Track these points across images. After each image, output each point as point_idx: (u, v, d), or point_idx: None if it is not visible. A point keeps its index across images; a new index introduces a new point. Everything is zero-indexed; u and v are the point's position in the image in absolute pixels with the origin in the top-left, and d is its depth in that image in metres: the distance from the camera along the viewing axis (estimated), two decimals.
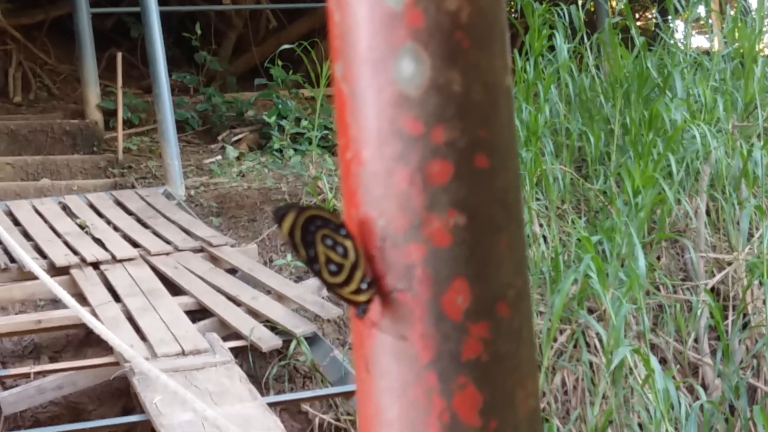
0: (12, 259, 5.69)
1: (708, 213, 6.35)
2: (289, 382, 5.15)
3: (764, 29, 7.58)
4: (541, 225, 5.96)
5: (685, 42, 7.88)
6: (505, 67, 0.89)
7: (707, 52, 7.88)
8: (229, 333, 5.15)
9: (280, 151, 7.74)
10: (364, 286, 0.91)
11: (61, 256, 5.79)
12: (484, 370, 0.88)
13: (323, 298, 5.52)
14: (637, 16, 11.86)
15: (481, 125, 0.87)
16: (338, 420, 5.07)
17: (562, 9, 7.10)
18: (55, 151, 8.06)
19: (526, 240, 5.65)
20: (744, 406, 5.01)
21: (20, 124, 8.27)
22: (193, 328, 5.01)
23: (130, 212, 6.71)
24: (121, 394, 5.05)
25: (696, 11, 7.86)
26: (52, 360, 5.21)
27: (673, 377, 4.87)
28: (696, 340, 5.68)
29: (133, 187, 7.37)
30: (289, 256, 5.98)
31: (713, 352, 5.52)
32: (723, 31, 7.90)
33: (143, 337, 4.89)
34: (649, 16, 12.41)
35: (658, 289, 5.80)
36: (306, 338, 5.12)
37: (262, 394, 4.66)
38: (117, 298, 5.34)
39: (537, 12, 6.78)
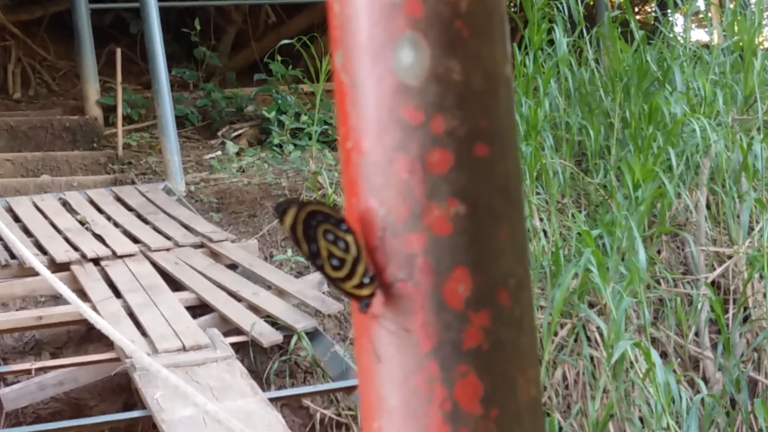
0: (12, 256, 5.69)
1: (708, 206, 6.35)
2: (290, 378, 5.15)
3: (763, 22, 7.57)
4: (541, 219, 5.96)
5: (684, 35, 7.87)
6: (505, 56, 0.89)
7: (707, 46, 7.88)
8: (229, 328, 5.15)
9: (280, 146, 7.74)
10: (366, 280, 0.91)
11: (61, 252, 5.79)
12: (485, 359, 0.88)
13: (324, 293, 5.52)
14: (636, 9, 11.86)
15: (480, 114, 0.87)
16: (339, 415, 5.07)
17: (561, 3, 7.10)
18: (54, 147, 8.06)
19: (527, 233, 5.65)
20: (745, 399, 5.01)
21: (20, 120, 8.27)
22: (193, 324, 5.01)
23: (130, 208, 6.71)
24: (122, 390, 5.05)
25: (695, 4, 7.85)
26: (53, 356, 5.21)
27: (674, 371, 4.87)
28: (697, 334, 5.68)
29: (133, 183, 7.37)
30: (289, 252, 5.98)
31: (714, 346, 5.52)
32: (722, 25, 7.90)
33: (144, 333, 4.89)
34: (649, 10, 12.40)
35: (659, 283, 5.79)
36: (307, 333, 5.12)
37: (263, 390, 4.66)
38: (117, 293, 5.34)
39: (536, 6, 6.77)
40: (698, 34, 9.92)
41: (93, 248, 5.85)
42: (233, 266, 5.82)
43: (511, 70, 0.91)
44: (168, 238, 6.10)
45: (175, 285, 5.52)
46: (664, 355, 5.42)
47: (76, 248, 5.86)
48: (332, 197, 6.37)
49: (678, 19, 8.50)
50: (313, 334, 5.17)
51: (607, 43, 7.08)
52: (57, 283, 3.41)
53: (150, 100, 8.26)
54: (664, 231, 6.04)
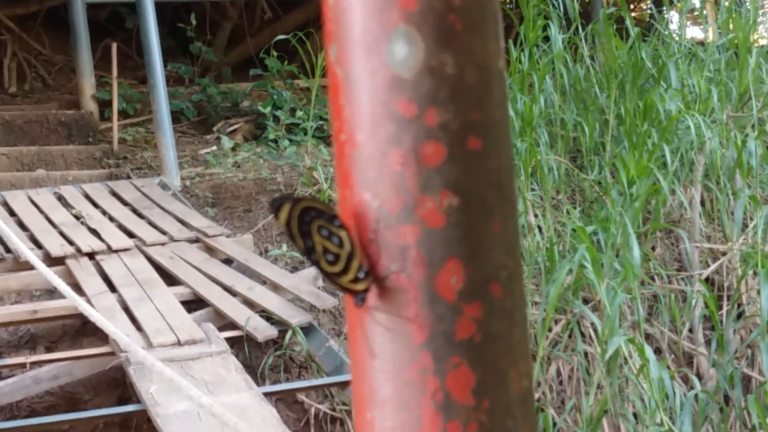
0: (8, 250, 5.69)
1: (702, 203, 6.36)
2: (285, 372, 5.16)
3: (758, 20, 7.58)
4: (536, 215, 5.97)
5: (679, 33, 7.88)
6: (498, 50, 0.90)
7: (702, 43, 7.88)
8: (224, 323, 5.15)
9: (276, 141, 7.74)
10: (361, 275, 0.92)
11: (56, 246, 5.79)
12: (477, 350, 0.89)
13: (319, 288, 5.53)
14: (631, 6, 11.86)
15: (474, 107, 0.88)
16: (334, 410, 5.08)
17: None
18: (50, 141, 8.06)
19: (521, 230, 5.66)
20: (738, 395, 5.02)
21: (15, 114, 8.27)
22: (188, 318, 5.02)
23: (125, 203, 6.71)
24: (117, 384, 5.05)
25: (690, 2, 7.86)
26: (48, 350, 5.21)
27: (668, 367, 4.88)
28: (690, 330, 5.69)
29: (128, 177, 7.37)
30: (284, 247, 5.98)
31: (708, 342, 5.53)
32: (717, 22, 7.90)
33: (139, 327, 4.89)
34: (644, 7, 12.41)
35: (653, 279, 5.81)
36: (301, 328, 5.13)
37: (258, 384, 4.66)
38: (112, 288, 5.35)
39: (532, 2, 6.78)
40: (693, 32, 9.93)
41: (88, 242, 5.86)
42: (228, 261, 5.83)
43: (504, 64, 0.92)
44: (163, 232, 6.10)
45: (170, 279, 5.52)
46: (658, 351, 5.43)
47: (71, 242, 5.87)
48: (327, 192, 6.38)
49: (673, 17, 8.51)
50: (307, 329, 5.18)
51: (603, 39, 7.08)
52: (52, 276, 3.41)
53: (145, 94, 8.26)
54: (659, 227, 6.05)
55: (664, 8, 7.99)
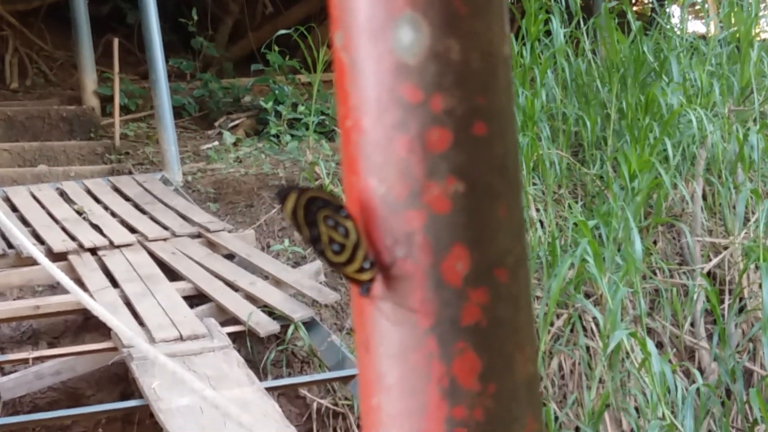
0: (10, 245, 5.70)
1: (704, 197, 6.36)
2: (287, 367, 5.16)
3: (760, 14, 7.58)
4: (537, 210, 5.97)
5: (681, 26, 7.88)
6: (503, 36, 0.90)
7: (703, 37, 7.88)
8: (226, 318, 5.16)
9: (277, 136, 7.74)
10: (367, 265, 0.92)
11: (58, 242, 5.79)
12: (483, 336, 0.89)
13: (321, 283, 5.53)
14: (633, 0, 11.86)
15: (479, 93, 0.88)
16: (336, 405, 5.08)
17: None
18: (52, 137, 8.06)
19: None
20: (740, 389, 5.02)
21: (17, 110, 8.28)
22: (190, 314, 5.02)
23: (127, 198, 6.71)
24: (119, 380, 5.06)
25: None
26: (51, 346, 5.21)
27: (670, 361, 4.88)
28: (692, 324, 5.69)
29: (130, 173, 7.37)
30: (286, 242, 5.99)
31: (709, 336, 5.53)
32: (719, 16, 7.90)
33: (141, 323, 4.90)
34: (646, 1, 12.41)
35: (655, 274, 5.81)
36: (304, 323, 5.13)
37: (260, 379, 4.66)
38: (115, 283, 5.35)
39: None
40: (695, 25, 9.93)
41: (90, 238, 5.86)
42: (230, 256, 5.83)
43: (509, 50, 0.92)
44: (165, 228, 6.10)
45: (172, 275, 5.52)
46: (659, 345, 5.43)
47: (73, 238, 5.87)
48: (329, 188, 6.38)
49: (675, 10, 8.50)
50: (310, 324, 5.18)
51: (604, 34, 7.08)
52: (56, 271, 3.42)
53: (147, 90, 8.27)
54: (660, 221, 6.05)
55: (666, 2, 7.99)
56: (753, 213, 6.09)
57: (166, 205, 6.50)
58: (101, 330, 5.11)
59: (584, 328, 5.32)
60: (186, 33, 9.52)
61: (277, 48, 8.13)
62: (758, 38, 7.56)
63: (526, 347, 0.92)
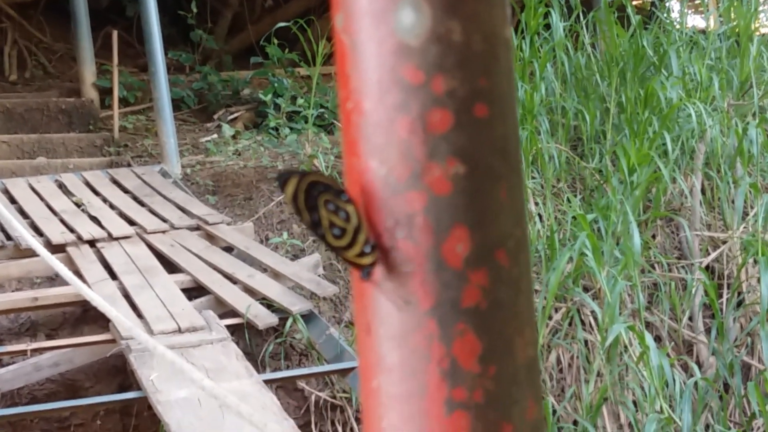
0: (8, 237, 5.69)
1: (703, 191, 6.36)
2: (285, 360, 5.16)
3: (760, 8, 7.57)
4: (536, 203, 5.97)
5: (680, 21, 7.88)
6: (505, 18, 0.90)
7: (703, 31, 7.88)
8: (225, 311, 5.15)
9: (276, 129, 7.74)
10: (367, 249, 0.92)
11: (57, 233, 5.79)
12: (483, 318, 0.89)
13: (319, 276, 5.53)
14: None
15: (480, 75, 0.88)
16: (334, 397, 5.08)
17: None
18: (50, 129, 8.06)
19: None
20: (738, 383, 5.03)
21: (16, 102, 8.27)
22: (189, 306, 5.02)
23: (126, 190, 6.71)
24: (117, 372, 5.06)
25: None
26: (49, 337, 5.21)
27: (668, 355, 4.88)
28: (690, 318, 5.70)
29: (129, 165, 7.37)
30: (285, 234, 5.98)
31: (708, 330, 5.54)
32: (719, 10, 7.90)
33: (139, 315, 4.89)
34: None
35: (653, 268, 5.81)
36: (302, 316, 5.13)
37: (259, 372, 4.66)
38: (113, 275, 5.34)
39: None
40: (695, 20, 9.93)
41: (89, 230, 5.86)
42: (229, 249, 5.83)
43: (510, 33, 0.92)
44: (164, 220, 6.10)
45: (170, 267, 5.52)
46: (658, 339, 5.43)
47: (72, 230, 5.87)
48: None
49: (674, 5, 8.50)
50: (308, 317, 5.18)
51: (604, 27, 7.08)
52: (55, 262, 3.41)
53: (146, 82, 8.26)
54: (659, 215, 6.05)
55: None
56: (752, 207, 6.10)
57: (164, 197, 6.50)
58: (100, 322, 5.11)
59: (582, 322, 5.32)
60: (185, 26, 9.51)
61: (276, 41, 8.13)
62: (758, 33, 7.57)
63: (527, 330, 0.92)
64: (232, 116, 8.45)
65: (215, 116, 8.53)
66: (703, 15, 9.01)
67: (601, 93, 6.80)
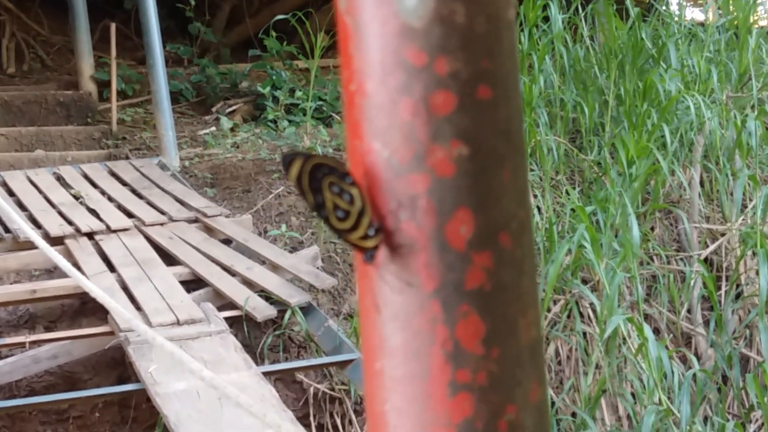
0: (6, 230, 5.69)
1: (702, 183, 6.36)
2: (284, 352, 5.16)
3: (758, 0, 7.57)
4: (535, 196, 5.97)
5: (679, 13, 7.87)
6: (508, 0, 0.90)
7: (702, 24, 7.88)
8: (223, 303, 5.15)
9: (275, 122, 7.73)
10: (371, 232, 0.92)
11: (55, 226, 5.79)
12: (486, 299, 0.89)
13: (318, 268, 5.53)
14: None
15: (484, 56, 0.87)
16: (333, 389, 5.08)
17: None
18: (48, 122, 8.05)
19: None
20: (737, 375, 5.03)
21: (14, 95, 8.26)
22: (187, 298, 5.01)
23: (124, 183, 6.70)
24: (116, 364, 5.06)
25: None
26: (47, 330, 5.21)
27: (666, 347, 4.89)
28: (689, 311, 5.70)
29: (127, 158, 7.36)
30: (283, 227, 5.98)
31: (706, 322, 5.54)
32: (717, 3, 7.90)
33: (138, 307, 4.89)
34: None
35: (652, 260, 5.81)
36: (301, 308, 5.13)
37: (257, 364, 4.67)
38: (112, 268, 5.34)
39: None
40: (693, 12, 9.93)
41: (87, 222, 5.85)
42: (227, 241, 5.82)
43: (514, 15, 0.91)
44: (162, 212, 6.09)
45: (169, 259, 5.52)
46: (656, 331, 5.44)
47: (70, 222, 5.86)
48: None
49: None
50: (306, 309, 5.18)
51: (603, 20, 7.08)
52: (54, 254, 3.40)
53: (144, 75, 8.26)
54: (658, 208, 6.06)
55: None
56: (750, 199, 6.10)
57: (163, 190, 6.49)
58: (98, 314, 5.11)
59: (581, 314, 5.32)
60: (183, 18, 9.50)
61: (274, 33, 8.11)
62: (756, 25, 7.56)
63: (530, 311, 0.92)
64: (230, 109, 8.44)
65: (213, 109, 8.52)
66: (701, 7, 9.01)
67: (600, 85, 6.79)
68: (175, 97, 8.33)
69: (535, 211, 5.81)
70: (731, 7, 7.47)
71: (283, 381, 5.10)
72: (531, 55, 6.68)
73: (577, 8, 7.18)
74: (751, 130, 6.06)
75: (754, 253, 5.60)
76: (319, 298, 5.44)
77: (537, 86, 6.42)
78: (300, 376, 5.09)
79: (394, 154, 0.88)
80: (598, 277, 5.10)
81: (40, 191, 6.46)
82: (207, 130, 7.93)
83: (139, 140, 7.75)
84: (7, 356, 4.89)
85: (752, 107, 6.67)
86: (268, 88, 7.94)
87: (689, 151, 6.40)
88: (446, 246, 0.88)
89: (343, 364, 4.83)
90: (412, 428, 0.91)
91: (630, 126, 6.09)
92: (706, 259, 5.87)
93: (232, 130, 7.82)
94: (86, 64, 8.36)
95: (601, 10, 7.08)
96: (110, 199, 6.38)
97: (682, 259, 5.95)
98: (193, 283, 5.34)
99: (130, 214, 6.09)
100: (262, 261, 5.54)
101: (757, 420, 5.20)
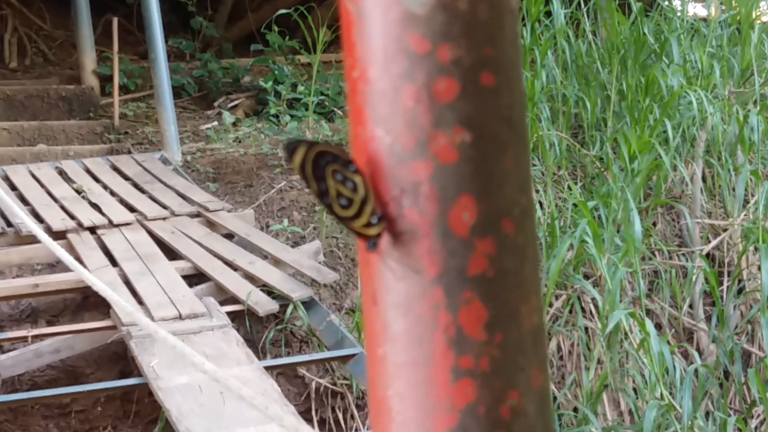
0: (9, 223, 5.69)
1: (704, 179, 6.36)
2: (286, 347, 5.17)
3: None
4: (537, 191, 5.97)
5: (682, 8, 7.87)
6: None
7: (704, 19, 7.87)
8: (226, 297, 5.16)
9: (277, 116, 7.73)
10: (374, 220, 0.92)
11: (57, 220, 5.79)
12: (489, 285, 0.89)
13: (320, 263, 5.53)
14: None
15: (486, 43, 0.88)
16: (335, 384, 5.09)
17: None
18: (51, 116, 8.05)
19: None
20: (738, 370, 5.04)
21: (16, 89, 8.26)
22: (190, 293, 5.02)
23: (126, 177, 6.70)
24: (118, 358, 5.06)
25: None
26: (50, 324, 5.21)
27: (668, 342, 4.89)
28: (691, 306, 5.70)
29: (129, 152, 7.36)
30: (285, 222, 5.98)
31: (708, 318, 5.54)
32: None
33: (140, 301, 4.90)
34: None
35: (654, 255, 5.81)
36: (303, 303, 5.13)
37: (259, 358, 4.67)
38: (114, 262, 5.35)
39: None
40: (696, 7, 9.92)
41: (89, 217, 5.86)
42: (229, 236, 5.83)
43: (516, 2, 0.92)
44: (164, 207, 6.10)
45: (171, 254, 5.52)
46: (658, 326, 5.44)
47: (72, 217, 5.87)
48: None
49: None
50: (308, 304, 5.18)
51: (605, 15, 7.07)
52: (56, 248, 3.41)
53: (146, 70, 8.25)
54: (660, 203, 6.06)
55: None
56: (752, 195, 6.10)
57: (165, 184, 6.49)
58: (100, 308, 5.11)
59: (583, 309, 5.33)
60: (185, 13, 9.49)
61: (276, 28, 8.12)
62: (759, 20, 7.56)
63: (532, 298, 0.92)
64: (232, 103, 8.44)
65: (216, 103, 8.52)
66: (704, 2, 9.00)
67: (602, 80, 6.79)
68: (177, 91, 8.32)
69: (538, 206, 5.81)
70: (734, 3, 7.46)
71: (285, 375, 5.10)
72: (533, 50, 6.68)
73: (579, 3, 7.18)
74: (753, 126, 6.06)
75: (756, 249, 5.60)
76: (321, 292, 5.45)
77: (539, 81, 6.42)
78: (302, 370, 5.10)
79: (397, 141, 0.89)
80: (600, 272, 5.10)
81: (42, 185, 6.46)
82: (209, 125, 7.93)
83: (142, 135, 7.75)
84: (9, 350, 4.90)
85: (754, 102, 6.66)
86: (270, 83, 7.95)
87: (691, 147, 6.40)
88: (449, 232, 0.88)
89: (345, 359, 4.83)
90: (414, 413, 0.92)
91: (632, 121, 6.09)
92: (708, 255, 5.87)
93: (234, 124, 7.82)
94: (88, 59, 8.36)
95: (603, 5, 7.08)
96: (112, 193, 6.38)
97: (684, 255, 5.95)
98: (195, 278, 5.34)
99: (132, 209, 6.09)
100: (264, 255, 5.54)
101: (759, 415, 5.21)
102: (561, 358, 5.35)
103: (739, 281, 5.74)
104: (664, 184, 6.15)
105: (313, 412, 5.01)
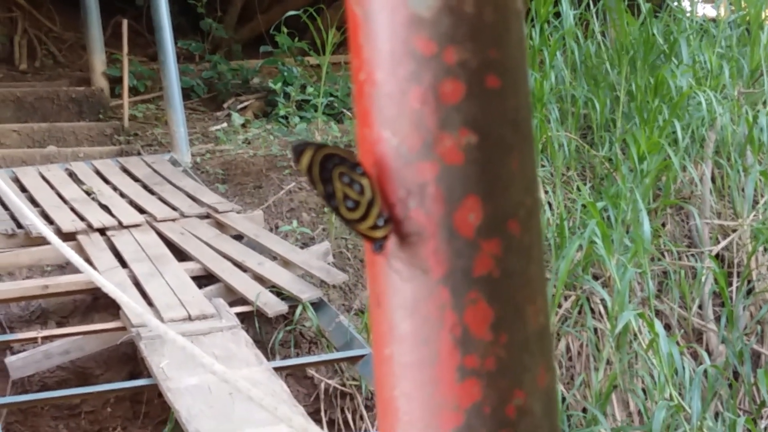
0: (19, 225, 5.71)
1: (713, 179, 6.36)
2: (295, 347, 5.17)
3: None
4: (546, 192, 5.97)
5: (691, 9, 7.86)
6: None
7: (713, 19, 7.86)
8: (235, 298, 5.16)
9: (286, 118, 7.74)
10: (380, 222, 0.93)
11: (67, 221, 5.80)
12: (495, 286, 0.90)
13: (329, 264, 5.53)
14: None
15: (492, 46, 0.88)
16: (344, 385, 5.09)
17: None
18: (61, 118, 8.07)
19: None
20: (748, 371, 5.03)
21: (26, 91, 8.28)
22: (199, 294, 5.03)
23: (136, 179, 6.72)
24: (128, 359, 5.07)
25: None
26: (60, 325, 5.22)
27: (677, 343, 4.89)
28: (700, 307, 5.70)
29: (139, 154, 7.38)
30: (294, 223, 5.99)
31: (717, 319, 5.54)
32: None
33: (150, 303, 4.91)
34: None
35: (663, 256, 5.81)
36: (312, 304, 5.14)
37: (268, 359, 4.68)
38: (123, 263, 5.36)
39: None
40: (705, 8, 9.91)
41: (99, 218, 5.87)
42: (239, 237, 5.84)
43: (522, 5, 0.92)
44: (174, 208, 6.11)
45: (180, 255, 5.53)
46: (667, 327, 5.44)
47: (82, 218, 5.88)
48: None
49: None
50: (318, 305, 5.19)
51: (614, 15, 7.07)
52: (66, 250, 3.42)
53: (156, 71, 8.27)
54: (669, 204, 6.05)
55: None
56: (762, 195, 6.10)
57: (174, 185, 6.51)
58: (110, 310, 5.12)
59: (592, 310, 5.32)
60: (195, 15, 9.51)
61: (285, 30, 8.13)
62: None
63: (538, 298, 0.93)
64: (241, 105, 8.45)
65: (225, 105, 8.53)
66: (713, 3, 8.99)
67: (611, 81, 6.79)
68: (187, 93, 8.33)
69: (546, 207, 5.81)
70: (743, 3, 7.45)
71: (294, 376, 5.11)
72: (542, 50, 6.68)
73: (588, 4, 7.18)
74: (763, 126, 6.05)
75: (765, 249, 5.61)
76: (330, 293, 5.45)
77: (548, 82, 6.42)
78: (311, 371, 5.10)
79: (403, 143, 0.89)
80: (609, 273, 5.10)
81: (52, 187, 6.48)
82: (218, 126, 7.94)
83: (151, 136, 7.77)
84: (19, 351, 4.91)
85: (764, 103, 6.66)
86: (279, 84, 7.96)
87: (701, 147, 6.40)
88: (455, 233, 0.89)
89: (354, 360, 4.83)
90: (420, 413, 0.92)
91: (641, 122, 6.09)
92: (717, 255, 5.86)
93: (243, 126, 7.82)
94: (98, 61, 8.38)
95: (612, 6, 7.07)
96: (122, 194, 6.39)
97: (693, 255, 5.95)
98: (205, 279, 5.35)
99: (141, 210, 6.10)
100: (274, 257, 5.55)
101: None
102: (570, 358, 5.35)
103: (749, 282, 5.74)
104: (674, 184, 6.15)
105: (323, 413, 5.02)
